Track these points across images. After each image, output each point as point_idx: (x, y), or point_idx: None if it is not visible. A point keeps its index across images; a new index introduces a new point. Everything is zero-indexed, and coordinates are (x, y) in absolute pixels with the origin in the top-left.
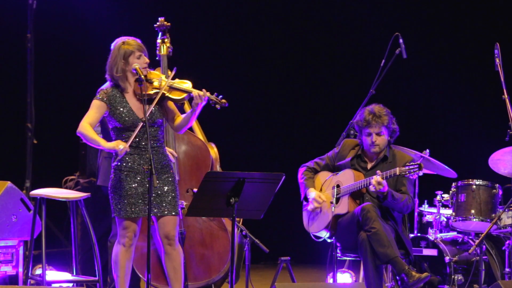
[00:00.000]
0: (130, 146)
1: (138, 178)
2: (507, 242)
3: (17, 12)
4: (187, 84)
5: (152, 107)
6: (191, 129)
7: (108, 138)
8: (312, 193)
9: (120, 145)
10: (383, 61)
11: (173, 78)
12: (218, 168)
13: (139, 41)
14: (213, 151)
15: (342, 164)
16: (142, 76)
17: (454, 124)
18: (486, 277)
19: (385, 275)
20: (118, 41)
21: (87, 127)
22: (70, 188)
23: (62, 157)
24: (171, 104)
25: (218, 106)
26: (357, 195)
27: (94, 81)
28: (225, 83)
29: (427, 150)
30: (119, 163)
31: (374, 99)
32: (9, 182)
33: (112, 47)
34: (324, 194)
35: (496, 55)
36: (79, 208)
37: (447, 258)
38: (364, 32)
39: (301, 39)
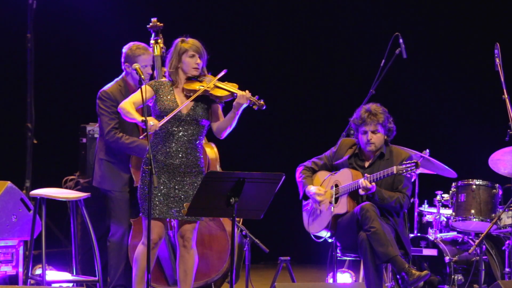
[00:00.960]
0: (164, 146)
1: (162, 180)
2: (507, 242)
3: (17, 12)
4: (233, 85)
5: (189, 101)
6: None
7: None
8: (312, 188)
9: (151, 121)
10: (383, 61)
11: (222, 80)
12: (218, 168)
13: (198, 42)
14: (213, 151)
15: (340, 163)
16: (142, 77)
17: (454, 124)
18: (486, 277)
19: (385, 275)
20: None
21: (129, 103)
22: (70, 188)
23: (62, 157)
24: (216, 108)
25: (255, 107)
26: (355, 194)
27: (94, 81)
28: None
29: (427, 150)
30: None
31: (374, 99)
32: (9, 182)
33: (124, 49)
34: (324, 188)
35: (496, 55)
36: (79, 208)
37: (447, 258)
38: (364, 32)
39: (301, 39)
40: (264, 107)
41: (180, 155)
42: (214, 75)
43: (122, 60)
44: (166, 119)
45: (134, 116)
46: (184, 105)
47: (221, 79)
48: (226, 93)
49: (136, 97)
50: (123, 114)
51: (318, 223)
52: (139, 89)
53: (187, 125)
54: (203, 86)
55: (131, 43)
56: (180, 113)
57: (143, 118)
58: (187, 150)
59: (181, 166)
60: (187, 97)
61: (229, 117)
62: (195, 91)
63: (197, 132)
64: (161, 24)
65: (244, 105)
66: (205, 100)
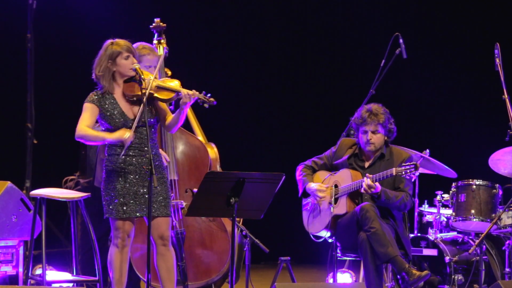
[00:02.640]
0: (122, 146)
1: (131, 177)
2: (507, 242)
3: (17, 12)
4: (174, 83)
5: (140, 108)
6: (191, 129)
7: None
8: (313, 185)
9: (126, 134)
10: (383, 61)
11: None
12: (218, 168)
13: (129, 42)
14: (213, 151)
15: (339, 163)
16: (143, 76)
17: (454, 124)
18: (486, 277)
19: (385, 275)
20: (107, 41)
21: (85, 128)
22: (70, 188)
23: (62, 157)
24: (161, 104)
25: (206, 105)
26: (355, 195)
27: (94, 81)
28: (223, 83)
29: (427, 150)
30: (110, 163)
31: (374, 99)
32: (9, 182)
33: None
34: (325, 184)
35: (496, 55)
36: (79, 208)
37: (447, 258)
38: (364, 32)
39: (301, 39)
40: (214, 103)
41: (141, 156)
42: (200, 74)
43: None
44: (133, 128)
45: (103, 137)
46: (139, 113)
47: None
48: (171, 94)
49: (86, 119)
50: (87, 141)
51: (318, 222)
52: (84, 106)
53: (136, 130)
54: (145, 89)
55: (137, 43)
56: (128, 119)
57: (115, 136)
58: (142, 152)
59: (141, 166)
60: (131, 102)
61: (176, 116)
62: (138, 95)
63: (146, 133)
64: (164, 25)
65: (191, 103)
66: (149, 101)
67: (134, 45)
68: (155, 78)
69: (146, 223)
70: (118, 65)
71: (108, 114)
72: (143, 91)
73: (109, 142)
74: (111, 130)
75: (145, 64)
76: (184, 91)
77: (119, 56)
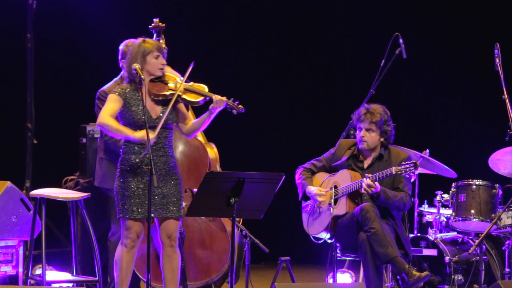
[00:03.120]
0: (140, 145)
1: (146, 179)
2: (507, 242)
3: (17, 12)
4: (203, 88)
5: (168, 109)
6: None
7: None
8: (312, 189)
9: (150, 135)
10: (383, 61)
11: (188, 78)
12: (218, 168)
13: (158, 42)
14: (213, 151)
15: (338, 164)
16: (142, 76)
17: (454, 124)
18: (486, 277)
19: (385, 275)
20: (135, 40)
21: (109, 118)
22: (70, 188)
23: (62, 157)
24: (182, 107)
25: (234, 111)
26: (355, 195)
27: (94, 81)
28: (223, 83)
29: (427, 150)
30: (126, 162)
31: (374, 99)
32: (9, 182)
33: (121, 47)
34: (325, 188)
35: (496, 55)
36: (79, 208)
37: (447, 258)
38: (364, 32)
39: (301, 39)
40: (243, 110)
41: (157, 157)
42: (200, 74)
43: (119, 57)
44: (158, 129)
45: (126, 133)
46: (166, 114)
47: (187, 80)
48: (199, 97)
49: (110, 109)
50: (108, 131)
51: (317, 224)
52: (108, 96)
53: (155, 129)
54: (173, 90)
55: (127, 40)
56: (149, 118)
57: (139, 135)
58: (161, 152)
59: (159, 166)
60: (155, 101)
61: (201, 120)
62: (164, 95)
63: (165, 135)
64: (163, 25)
65: (221, 108)
66: (170, 101)
67: (124, 42)
68: (183, 81)
69: (156, 223)
70: (148, 63)
71: (132, 109)
72: (170, 92)
73: (131, 139)
74: (130, 126)
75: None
76: (216, 96)
77: (149, 54)
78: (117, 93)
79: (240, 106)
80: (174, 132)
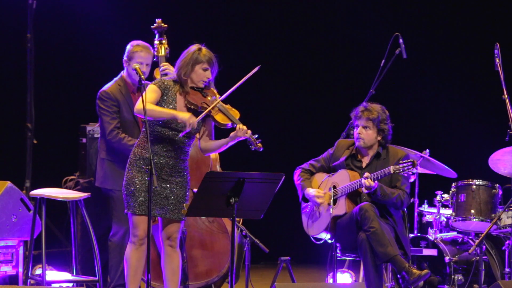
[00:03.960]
0: (156, 145)
1: (147, 178)
2: (507, 242)
3: (17, 12)
4: (235, 114)
5: (197, 120)
6: None
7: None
8: (311, 191)
9: (192, 120)
10: (383, 61)
11: (225, 102)
12: (218, 168)
13: (212, 55)
14: None
15: (337, 164)
16: (142, 76)
17: (454, 124)
18: (486, 277)
19: (385, 275)
20: (196, 44)
21: (149, 103)
22: (70, 188)
23: (62, 157)
24: (210, 125)
25: (252, 148)
26: (354, 195)
27: (94, 81)
28: (224, 83)
29: (427, 150)
30: (135, 158)
31: (374, 99)
32: (9, 182)
33: (128, 46)
34: (323, 190)
35: (496, 55)
36: (79, 208)
37: (447, 258)
38: (364, 32)
39: (301, 39)
40: (261, 149)
41: (167, 156)
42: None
43: (125, 56)
44: (199, 118)
45: (169, 113)
46: (201, 117)
47: (224, 101)
48: (227, 121)
49: (150, 96)
50: (149, 115)
51: (317, 225)
52: (149, 86)
53: (177, 134)
54: (206, 104)
55: (134, 41)
56: (174, 121)
57: (184, 116)
58: (175, 152)
59: (167, 166)
60: (187, 108)
61: (220, 144)
62: (196, 106)
63: (182, 140)
64: (166, 25)
65: (242, 139)
66: (199, 113)
67: (131, 42)
68: (221, 100)
69: (160, 223)
70: (195, 72)
71: (163, 105)
72: (204, 105)
73: (176, 118)
74: (156, 121)
75: (136, 61)
76: (241, 126)
77: (199, 64)
78: (157, 85)
79: (259, 144)
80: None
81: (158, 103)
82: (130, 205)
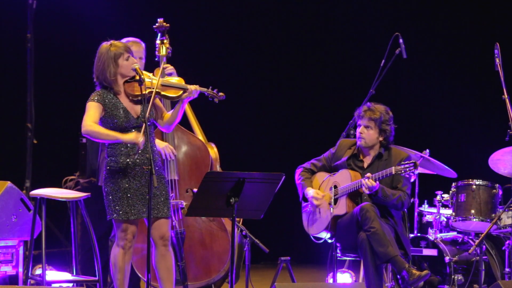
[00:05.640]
0: (127, 146)
1: (137, 180)
2: (507, 242)
3: (17, 12)
4: (178, 80)
5: (150, 107)
6: (190, 129)
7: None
8: (310, 192)
9: (140, 138)
10: (383, 61)
11: (161, 76)
12: (218, 168)
13: (124, 43)
14: (213, 151)
15: (339, 164)
16: (143, 76)
17: (454, 124)
18: (486, 277)
19: (385, 275)
20: (103, 44)
21: (93, 124)
22: (70, 188)
23: (62, 157)
24: (158, 102)
25: (216, 100)
26: (355, 195)
27: (94, 81)
28: (224, 83)
29: (427, 150)
30: (115, 164)
31: (374, 99)
32: (9, 182)
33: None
34: (322, 192)
35: (496, 55)
36: (79, 208)
37: (447, 258)
38: (364, 32)
39: (301, 39)
40: (223, 97)
41: (137, 157)
42: (202, 74)
43: None
44: (143, 130)
45: (116, 137)
46: (148, 112)
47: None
48: (179, 91)
49: (92, 116)
50: (95, 138)
51: (317, 224)
52: (88, 104)
53: (139, 129)
54: (150, 88)
55: (124, 39)
56: (131, 118)
57: (129, 138)
58: (143, 151)
59: (141, 166)
60: (134, 101)
61: (176, 111)
62: (143, 94)
63: (149, 133)
64: (168, 25)
65: (192, 98)
66: (149, 99)
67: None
68: (159, 77)
69: (146, 223)
70: (120, 66)
71: (112, 113)
72: (147, 90)
73: (121, 142)
74: (114, 130)
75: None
76: (191, 87)
77: (120, 57)
78: (95, 100)
79: (221, 93)
80: (176, 133)
81: (105, 116)
82: (117, 211)
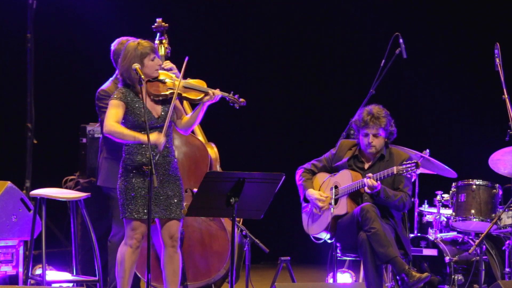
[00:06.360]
0: (142, 146)
1: (143, 181)
2: (507, 242)
3: (17, 12)
4: (201, 84)
5: (172, 108)
6: None
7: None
8: (313, 194)
9: (161, 139)
10: (383, 61)
11: (185, 73)
12: (218, 168)
13: (150, 42)
14: (213, 151)
15: (339, 165)
16: (143, 77)
17: (454, 124)
18: (486, 277)
19: (385, 275)
20: (130, 42)
21: (116, 124)
22: (70, 188)
23: (62, 157)
24: (178, 104)
25: (237, 106)
26: (355, 195)
27: (94, 81)
28: (224, 83)
29: (427, 150)
30: (130, 162)
31: (374, 99)
32: (9, 182)
33: (112, 47)
34: (326, 194)
35: (496, 55)
36: (79, 208)
37: (447, 258)
38: (364, 32)
39: (301, 39)
40: (244, 104)
41: (161, 157)
42: (202, 74)
43: (112, 57)
44: (164, 131)
45: (137, 137)
46: (170, 113)
47: (184, 76)
48: (200, 94)
49: (114, 115)
50: (118, 138)
51: (317, 224)
52: (110, 103)
53: (159, 129)
54: (171, 89)
55: (118, 39)
56: (152, 118)
57: (152, 139)
58: (163, 152)
59: (160, 166)
60: (155, 101)
61: (195, 114)
62: (165, 95)
63: (167, 134)
64: (166, 25)
65: (212, 102)
66: (170, 100)
67: (115, 42)
68: (181, 78)
69: (158, 224)
70: (146, 66)
71: (134, 111)
72: (169, 91)
73: (143, 143)
74: (134, 128)
75: None
76: (216, 92)
77: (146, 57)
78: (118, 98)
79: (242, 99)
80: (175, 132)
81: (127, 114)
82: (130, 210)
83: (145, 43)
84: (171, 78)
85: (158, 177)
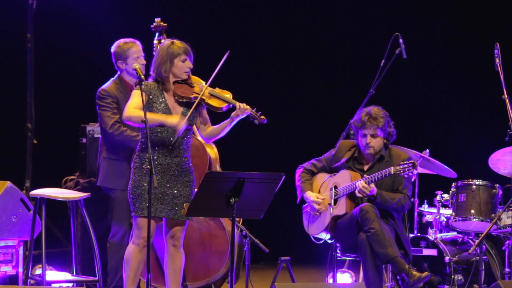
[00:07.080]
0: (158, 146)
1: (158, 178)
2: (507, 242)
3: (17, 12)
4: (228, 95)
5: (191, 111)
6: None
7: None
8: (310, 196)
9: (182, 123)
10: (383, 61)
11: (212, 86)
12: (218, 168)
13: (186, 44)
14: (213, 151)
15: (338, 166)
16: (142, 77)
17: (454, 124)
18: (486, 277)
19: (385, 275)
20: (166, 40)
21: (135, 110)
22: (70, 188)
23: (62, 157)
24: (204, 112)
25: (256, 122)
26: (355, 195)
27: (94, 81)
28: (224, 83)
29: (427, 150)
30: (141, 160)
31: (374, 99)
32: (9, 182)
33: (112, 49)
34: (323, 196)
35: (496, 55)
36: (79, 208)
37: (447, 258)
38: (364, 32)
39: (301, 39)
40: (265, 121)
41: (171, 156)
42: (202, 74)
43: (114, 60)
44: (186, 119)
45: (158, 119)
46: (190, 113)
47: (212, 85)
48: (223, 104)
49: (135, 102)
50: (136, 122)
51: (317, 225)
52: (133, 92)
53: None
54: (197, 93)
55: (117, 42)
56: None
57: (173, 121)
58: (173, 153)
59: (173, 166)
60: (179, 102)
61: (222, 126)
62: (188, 98)
63: (183, 135)
64: (165, 24)
65: (242, 117)
66: (193, 104)
67: (115, 44)
68: (208, 85)
69: (163, 223)
70: (176, 66)
71: (154, 105)
72: (193, 95)
73: (164, 124)
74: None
75: (133, 57)
76: (240, 104)
77: (177, 57)
78: (142, 89)
79: (262, 117)
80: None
81: (147, 106)
82: (137, 208)
83: (179, 43)
84: (200, 84)
85: (164, 177)
